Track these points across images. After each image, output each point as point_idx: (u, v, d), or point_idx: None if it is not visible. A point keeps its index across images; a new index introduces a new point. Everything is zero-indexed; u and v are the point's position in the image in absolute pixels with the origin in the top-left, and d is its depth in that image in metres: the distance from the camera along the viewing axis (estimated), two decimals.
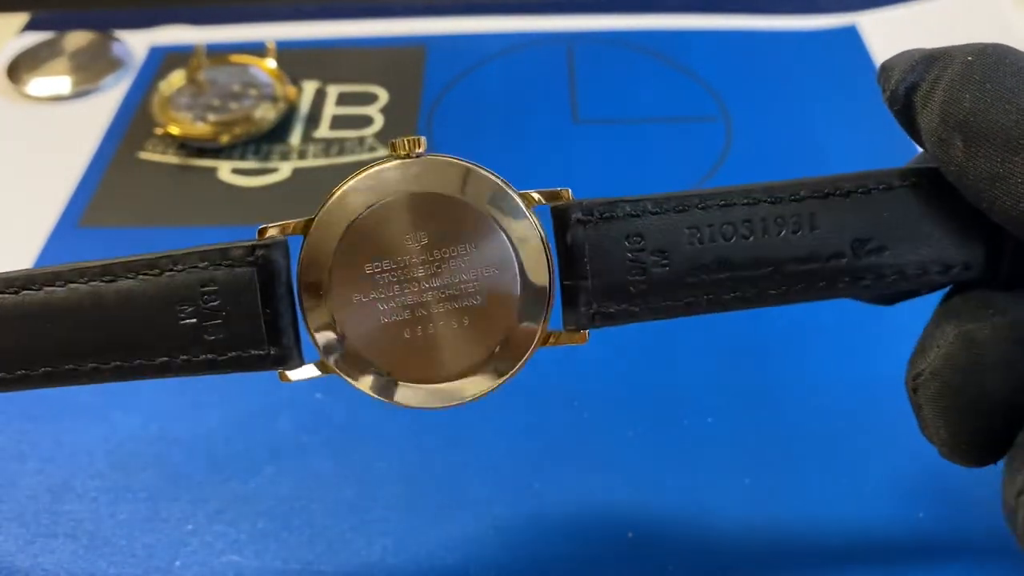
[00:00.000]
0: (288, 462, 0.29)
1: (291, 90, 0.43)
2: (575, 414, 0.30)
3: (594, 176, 0.39)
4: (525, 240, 0.19)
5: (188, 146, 0.41)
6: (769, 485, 0.28)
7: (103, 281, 0.19)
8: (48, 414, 0.30)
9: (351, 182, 0.18)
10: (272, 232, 0.19)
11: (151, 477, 0.28)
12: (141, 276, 0.19)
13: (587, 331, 0.19)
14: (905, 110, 0.19)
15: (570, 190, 0.19)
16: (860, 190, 0.19)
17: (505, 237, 0.18)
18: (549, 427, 0.29)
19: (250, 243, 0.19)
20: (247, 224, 0.37)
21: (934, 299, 0.20)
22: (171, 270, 0.19)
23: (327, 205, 0.18)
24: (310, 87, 0.44)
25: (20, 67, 0.45)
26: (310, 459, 0.29)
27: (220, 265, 0.18)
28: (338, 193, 0.18)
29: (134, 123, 0.42)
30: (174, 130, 0.40)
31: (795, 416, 0.29)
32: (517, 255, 0.19)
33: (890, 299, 0.22)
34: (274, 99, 0.42)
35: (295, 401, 0.30)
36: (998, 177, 0.17)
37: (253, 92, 0.42)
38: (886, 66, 0.19)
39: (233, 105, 0.41)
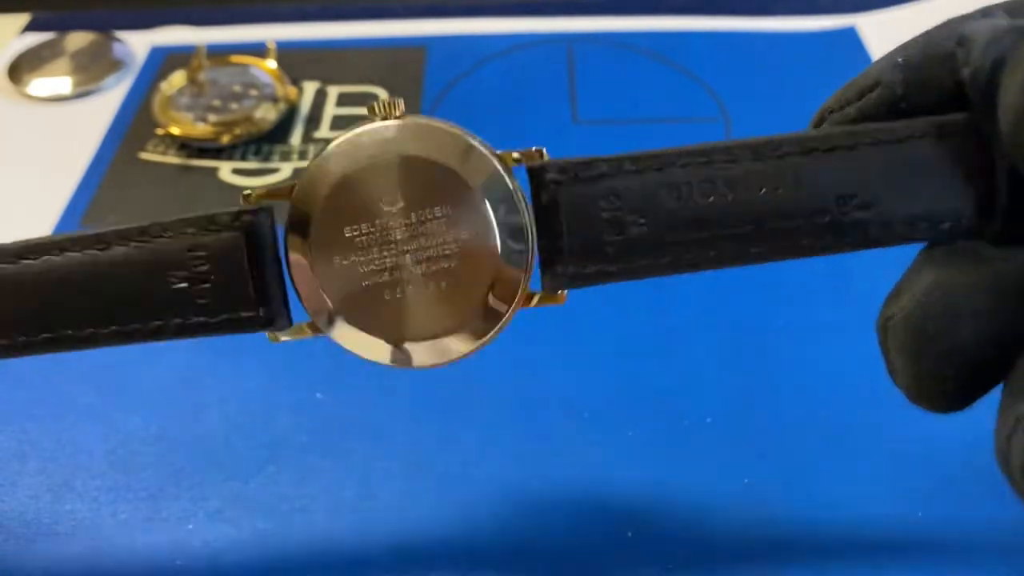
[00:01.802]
0: (288, 462, 0.29)
1: (292, 90, 0.43)
2: (575, 414, 0.30)
3: None
4: (503, 201, 0.19)
5: (189, 146, 0.41)
6: (769, 485, 0.28)
7: (97, 249, 0.19)
8: (49, 414, 0.30)
9: (332, 146, 0.19)
10: (256, 196, 0.19)
11: (151, 476, 0.28)
12: (133, 243, 0.19)
13: (565, 292, 0.19)
14: (988, 86, 0.17)
15: (544, 149, 0.19)
16: (846, 145, 0.19)
17: (483, 198, 0.18)
18: (549, 427, 0.29)
19: (236, 209, 0.19)
20: None
21: None
22: (161, 236, 0.19)
23: (310, 169, 0.19)
24: (310, 87, 0.44)
25: (21, 67, 0.45)
26: (310, 459, 0.29)
27: (208, 230, 0.19)
28: (320, 157, 0.19)
29: (135, 123, 0.42)
30: (175, 130, 0.40)
31: (795, 416, 0.29)
32: (495, 216, 0.18)
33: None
34: (275, 100, 0.42)
35: (295, 401, 0.30)
36: None
37: (254, 92, 0.42)
38: (967, 36, 0.18)
39: (234, 105, 0.41)
